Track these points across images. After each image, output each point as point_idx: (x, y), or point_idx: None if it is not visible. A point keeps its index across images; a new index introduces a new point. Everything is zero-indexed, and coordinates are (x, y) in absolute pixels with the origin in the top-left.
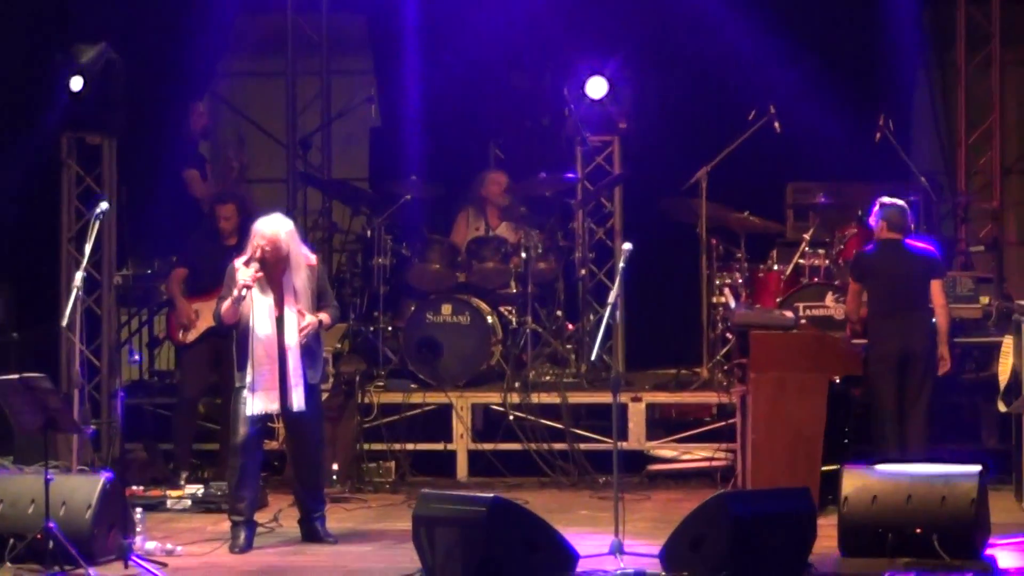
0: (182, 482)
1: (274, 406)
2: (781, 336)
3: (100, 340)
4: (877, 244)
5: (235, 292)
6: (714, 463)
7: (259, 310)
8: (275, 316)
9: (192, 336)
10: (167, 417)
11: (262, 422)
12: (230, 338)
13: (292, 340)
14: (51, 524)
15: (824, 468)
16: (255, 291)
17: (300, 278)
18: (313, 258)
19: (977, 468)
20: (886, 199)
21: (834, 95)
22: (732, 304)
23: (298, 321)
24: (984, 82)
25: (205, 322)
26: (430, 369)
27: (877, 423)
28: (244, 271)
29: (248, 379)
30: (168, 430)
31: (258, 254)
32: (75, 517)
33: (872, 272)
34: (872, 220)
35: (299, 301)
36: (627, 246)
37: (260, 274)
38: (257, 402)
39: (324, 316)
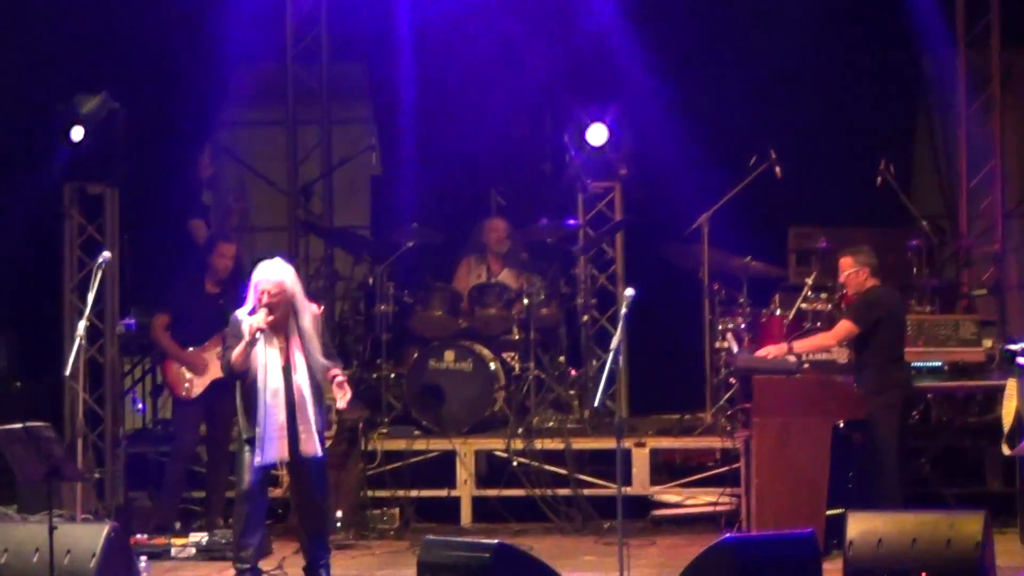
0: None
1: (283, 455)
2: (784, 381)
3: (103, 389)
4: (880, 289)
5: (247, 337)
6: (718, 508)
7: (266, 359)
8: (282, 364)
9: (198, 390)
10: None
11: (266, 470)
12: (223, 388)
13: (304, 387)
14: None
15: (828, 512)
16: (261, 340)
17: (306, 320)
18: (314, 307)
19: (982, 511)
20: (850, 249)
21: (835, 139)
22: (735, 349)
23: (340, 394)
24: (985, 126)
25: (210, 375)
26: (433, 416)
27: (883, 477)
28: (255, 316)
29: (258, 429)
30: None
31: (265, 299)
32: (79, 566)
33: (888, 317)
34: (849, 272)
35: (308, 344)
36: (629, 292)
37: (272, 318)
38: (267, 452)
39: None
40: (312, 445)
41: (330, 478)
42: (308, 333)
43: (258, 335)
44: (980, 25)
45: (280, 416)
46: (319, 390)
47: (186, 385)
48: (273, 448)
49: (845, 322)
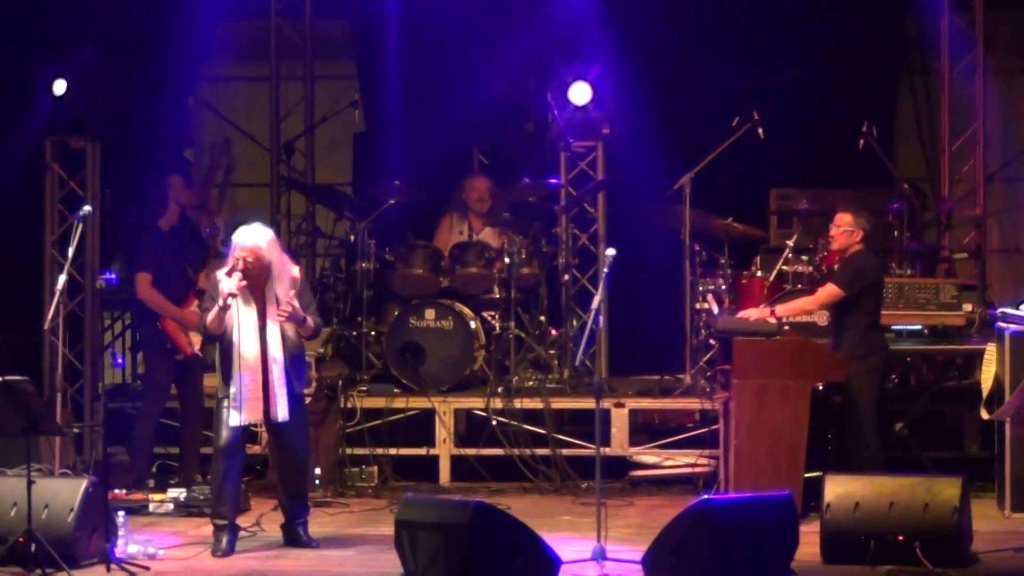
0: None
1: (257, 416)
2: (764, 343)
3: (83, 344)
4: (866, 254)
5: (220, 302)
6: (697, 469)
7: (242, 321)
8: (258, 327)
9: (198, 346)
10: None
11: (244, 427)
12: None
13: (276, 350)
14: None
15: (806, 475)
16: (238, 302)
17: (282, 287)
18: (296, 269)
19: (960, 476)
20: (853, 208)
21: (818, 101)
22: (715, 310)
23: (274, 311)
24: (967, 89)
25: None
26: (413, 374)
27: (861, 441)
28: (228, 281)
29: (232, 390)
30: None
31: (240, 265)
32: (57, 520)
33: (874, 283)
34: (844, 228)
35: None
36: (610, 252)
37: (244, 283)
38: (240, 413)
39: (309, 318)
40: (281, 409)
41: (309, 436)
42: (283, 300)
43: (230, 300)
44: None
45: (253, 379)
46: (293, 356)
47: (190, 342)
48: (246, 410)
49: (831, 285)
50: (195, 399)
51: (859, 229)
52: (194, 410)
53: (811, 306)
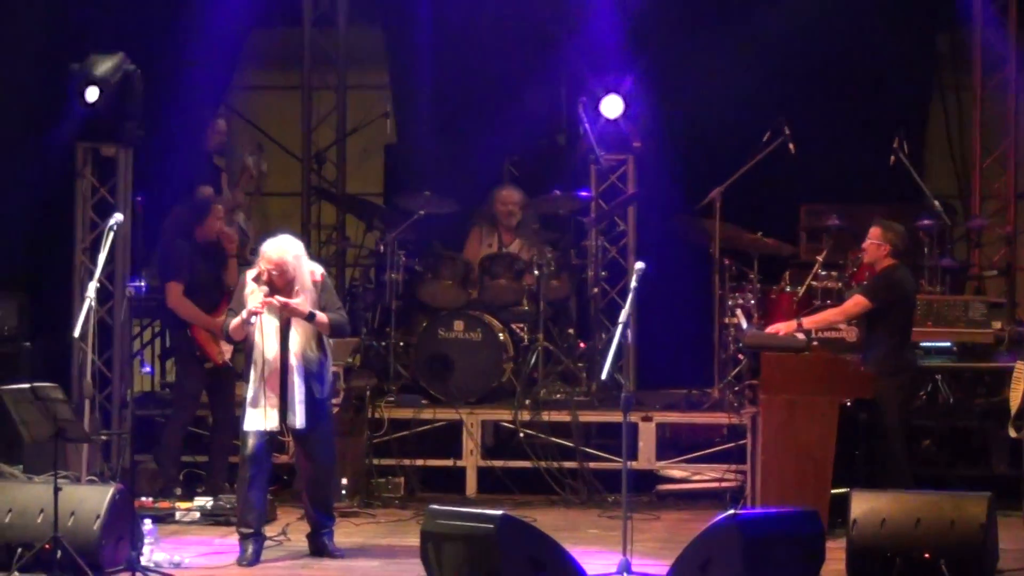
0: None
1: (272, 424)
2: (792, 358)
3: (112, 351)
4: (899, 269)
5: (244, 315)
6: (724, 484)
7: (264, 326)
8: (280, 333)
9: (228, 355)
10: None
11: (270, 435)
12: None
13: (296, 356)
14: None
15: (833, 491)
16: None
17: (306, 300)
18: (319, 273)
19: (987, 493)
20: (885, 222)
21: (849, 117)
22: (744, 325)
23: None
24: (1000, 106)
25: None
26: (441, 385)
27: (890, 458)
28: (253, 297)
29: (250, 394)
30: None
31: (264, 277)
32: (84, 527)
33: (904, 299)
34: (873, 241)
35: (303, 321)
36: (640, 265)
37: (270, 299)
38: (257, 418)
39: (324, 315)
40: (299, 417)
41: (336, 446)
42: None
43: (253, 319)
44: (997, 4)
45: (271, 387)
46: (315, 362)
47: (220, 352)
48: (262, 416)
49: (859, 297)
50: (226, 409)
51: (886, 243)
52: (224, 419)
53: (838, 317)
